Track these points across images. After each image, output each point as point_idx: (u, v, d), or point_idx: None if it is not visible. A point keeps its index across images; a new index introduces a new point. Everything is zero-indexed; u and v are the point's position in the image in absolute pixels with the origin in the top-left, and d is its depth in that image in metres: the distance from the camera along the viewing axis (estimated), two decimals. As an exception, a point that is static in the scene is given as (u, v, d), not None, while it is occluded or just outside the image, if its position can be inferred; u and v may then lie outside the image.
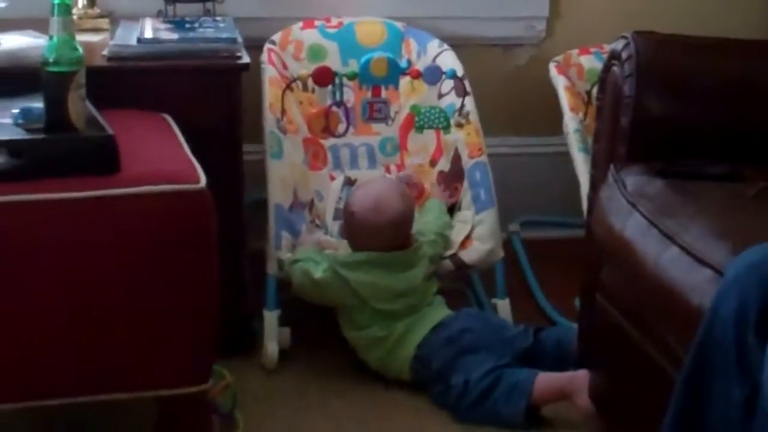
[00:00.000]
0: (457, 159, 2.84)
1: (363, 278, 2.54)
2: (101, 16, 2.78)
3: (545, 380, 2.40)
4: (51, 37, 1.98)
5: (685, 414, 1.73)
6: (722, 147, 2.29)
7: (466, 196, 2.77)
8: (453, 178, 2.83)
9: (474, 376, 2.41)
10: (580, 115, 2.92)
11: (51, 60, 1.97)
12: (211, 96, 2.48)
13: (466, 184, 2.79)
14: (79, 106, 1.99)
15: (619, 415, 2.30)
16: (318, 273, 2.53)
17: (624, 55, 2.31)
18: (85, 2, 2.78)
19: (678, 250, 1.95)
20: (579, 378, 2.37)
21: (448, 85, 2.91)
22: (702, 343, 1.71)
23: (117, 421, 2.30)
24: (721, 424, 1.67)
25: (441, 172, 2.87)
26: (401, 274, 2.57)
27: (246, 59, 2.51)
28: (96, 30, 2.71)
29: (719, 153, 2.27)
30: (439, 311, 2.58)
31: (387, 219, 2.58)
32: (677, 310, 1.89)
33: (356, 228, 2.61)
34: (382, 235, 2.58)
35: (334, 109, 2.93)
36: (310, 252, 2.60)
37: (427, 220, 2.73)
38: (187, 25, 2.65)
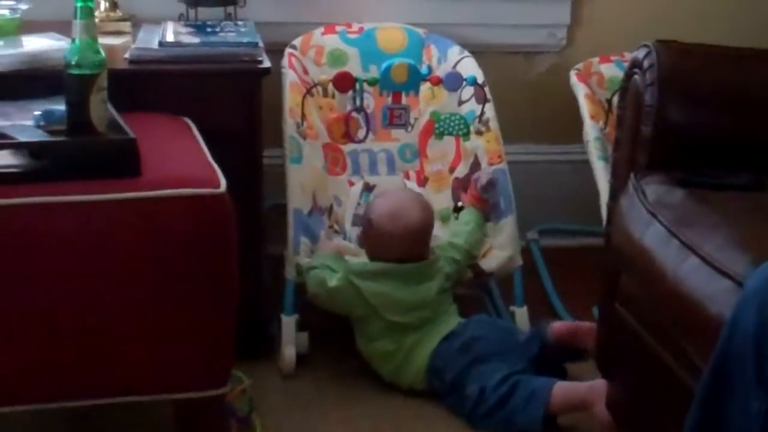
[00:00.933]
0: (476, 165, 2.83)
1: (376, 288, 2.53)
2: (123, 20, 2.79)
3: (563, 389, 2.39)
4: (73, 40, 1.99)
5: (704, 426, 1.72)
6: (744, 157, 2.28)
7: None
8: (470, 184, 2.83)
9: (490, 384, 2.41)
10: (600, 123, 2.91)
11: (73, 63, 1.98)
12: (232, 100, 2.48)
13: (484, 190, 2.78)
14: (100, 108, 2.00)
15: (636, 425, 2.29)
16: (332, 282, 2.52)
17: (646, 63, 2.30)
18: (108, 5, 2.79)
19: (697, 261, 1.94)
20: (597, 388, 2.36)
21: (468, 92, 2.90)
22: (721, 355, 1.70)
23: (135, 423, 2.31)
24: (740, 437, 1.66)
25: (456, 179, 2.87)
26: (415, 287, 2.56)
27: (267, 63, 2.51)
28: (118, 33, 2.72)
29: (741, 163, 2.26)
30: (450, 321, 2.57)
31: (404, 229, 2.56)
32: (696, 321, 1.88)
33: (373, 236, 2.60)
34: (398, 244, 2.56)
35: (354, 114, 2.93)
36: (327, 258, 2.60)
37: (460, 231, 2.70)
38: (209, 29, 2.66)
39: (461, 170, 2.87)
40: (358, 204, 2.85)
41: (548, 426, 2.39)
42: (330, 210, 2.81)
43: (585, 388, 2.38)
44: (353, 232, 2.80)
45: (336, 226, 2.80)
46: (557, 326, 2.54)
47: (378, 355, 2.55)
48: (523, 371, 2.45)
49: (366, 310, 2.54)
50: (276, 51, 2.80)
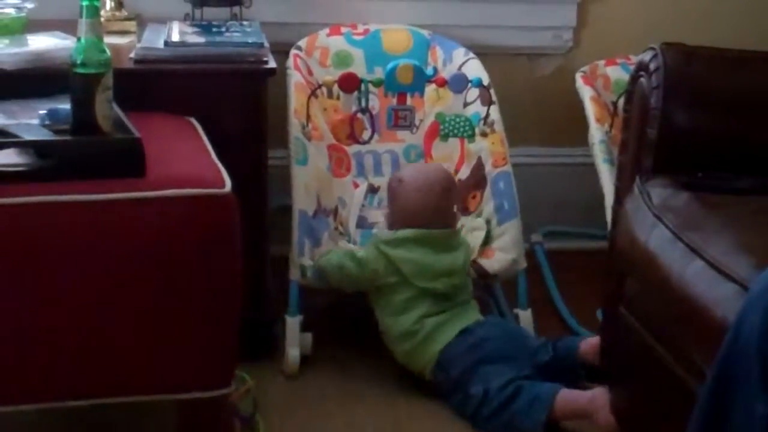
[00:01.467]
0: (479, 167, 2.83)
1: (406, 255, 2.55)
2: (129, 19, 2.79)
3: (566, 397, 2.38)
4: (79, 39, 1.99)
5: (707, 429, 1.72)
6: (750, 160, 2.28)
7: (488, 205, 2.76)
8: (472, 185, 2.83)
9: (494, 386, 2.41)
10: (606, 126, 2.91)
11: (78, 62, 1.98)
12: (237, 100, 2.48)
13: (488, 193, 2.78)
14: (105, 108, 2.00)
15: (640, 429, 2.29)
16: (360, 252, 2.56)
17: (652, 66, 2.30)
18: (113, 5, 2.79)
19: (703, 264, 1.94)
20: (598, 399, 2.35)
21: (473, 93, 2.91)
22: (725, 358, 1.69)
23: (138, 423, 2.31)
24: (744, 440, 1.66)
25: (460, 180, 2.87)
26: (444, 254, 2.58)
27: (272, 64, 2.51)
28: (123, 32, 2.73)
29: (747, 166, 2.26)
30: (470, 315, 2.58)
31: (437, 183, 2.63)
32: (701, 324, 1.88)
33: (404, 197, 2.62)
34: (430, 202, 2.60)
35: (359, 115, 2.93)
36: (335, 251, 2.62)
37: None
38: (214, 29, 2.65)
39: (464, 172, 2.87)
40: (363, 206, 2.85)
41: (550, 431, 2.38)
42: (335, 211, 2.81)
43: (587, 397, 2.37)
44: (357, 234, 2.80)
45: (340, 228, 2.80)
46: (585, 345, 2.51)
47: (398, 333, 2.55)
48: (528, 377, 2.44)
49: (396, 278, 2.54)
50: (281, 52, 2.80)
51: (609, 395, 2.34)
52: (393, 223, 2.65)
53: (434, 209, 2.61)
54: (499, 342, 2.50)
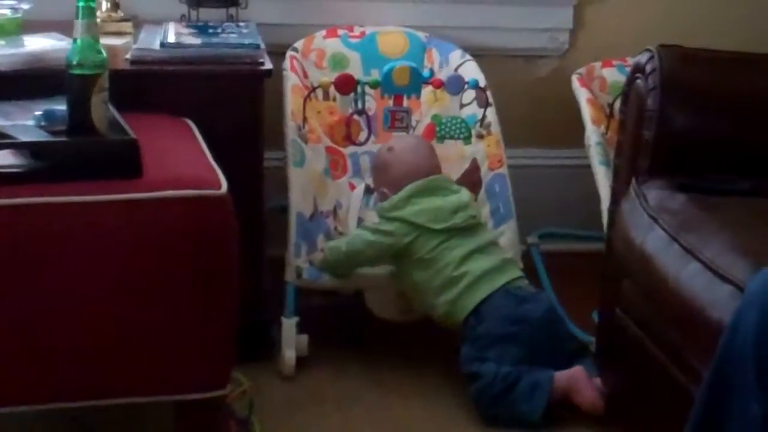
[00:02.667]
0: (473, 170, 2.83)
1: (415, 208, 2.59)
2: (125, 20, 2.79)
3: (556, 379, 2.43)
4: (75, 40, 1.98)
5: (703, 430, 1.72)
6: (746, 162, 2.28)
7: (483, 208, 2.76)
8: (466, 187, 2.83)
9: (503, 370, 2.42)
10: (602, 127, 2.91)
11: (75, 63, 1.97)
12: (234, 101, 2.48)
13: (483, 195, 2.78)
14: (102, 109, 2.00)
15: (636, 429, 2.30)
16: (373, 225, 2.62)
17: (648, 68, 2.31)
18: (109, 6, 2.79)
19: (699, 266, 1.94)
20: (576, 377, 2.41)
21: (469, 95, 2.90)
22: (721, 359, 1.70)
23: (134, 425, 2.30)
24: (740, 440, 1.66)
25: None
26: (449, 195, 2.64)
27: (269, 65, 2.51)
28: (119, 34, 2.72)
29: (743, 168, 2.26)
30: (513, 269, 2.60)
31: (423, 144, 2.78)
32: (697, 326, 1.88)
33: (398, 161, 2.70)
34: (422, 160, 2.70)
35: (356, 117, 2.92)
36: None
37: None
38: (210, 30, 2.65)
39: (457, 174, 2.86)
40: (361, 207, 2.84)
41: (544, 415, 2.42)
42: (334, 212, 2.81)
43: (565, 379, 2.42)
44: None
45: (340, 228, 2.80)
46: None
47: (439, 283, 2.55)
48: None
49: (416, 232, 2.57)
50: (277, 53, 2.80)
51: (588, 374, 2.41)
52: (389, 193, 2.67)
53: (428, 166, 2.69)
54: (536, 329, 2.49)
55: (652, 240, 2.11)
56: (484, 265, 2.55)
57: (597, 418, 2.40)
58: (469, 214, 2.61)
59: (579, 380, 2.41)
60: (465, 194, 2.66)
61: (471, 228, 2.61)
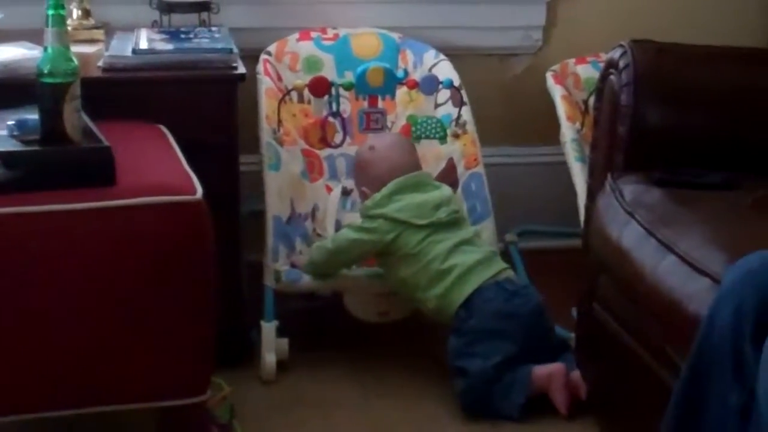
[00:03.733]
0: (450, 169, 2.83)
1: (397, 205, 2.59)
2: (96, 27, 2.78)
3: (534, 374, 2.45)
4: (46, 49, 1.98)
5: (682, 421, 1.73)
6: (720, 156, 2.29)
7: (460, 207, 2.76)
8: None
9: (488, 365, 2.44)
10: (577, 124, 2.92)
11: (46, 71, 1.97)
12: (207, 106, 2.47)
13: (460, 194, 2.78)
14: (74, 117, 1.99)
15: (615, 422, 2.30)
16: (357, 224, 2.62)
17: (621, 63, 2.31)
18: (80, 13, 2.78)
19: (675, 259, 1.95)
20: (554, 375, 2.43)
21: (444, 95, 2.90)
22: (699, 351, 1.71)
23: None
24: (718, 431, 1.67)
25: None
26: (431, 191, 2.64)
27: (242, 69, 2.50)
28: (91, 41, 2.71)
29: (717, 162, 2.27)
30: (500, 261, 2.61)
31: (403, 141, 2.77)
32: (674, 319, 1.89)
33: (380, 159, 2.68)
34: (403, 157, 2.69)
35: (331, 119, 2.92)
36: None
37: None
38: (183, 36, 2.65)
39: (433, 174, 2.86)
40: (338, 210, 2.84)
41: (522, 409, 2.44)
42: (313, 214, 2.80)
43: (545, 375, 2.44)
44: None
45: (319, 230, 2.79)
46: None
47: (428, 278, 2.55)
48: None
49: (399, 228, 2.56)
50: (251, 57, 2.79)
51: (566, 374, 2.42)
52: (370, 192, 2.66)
53: (409, 163, 2.68)
54: (525, 325, 2.50)
55: (629, 235, 2.11)
56: (472, 257, 2.56)
57: (576, 411, 2.42)
58: (452, 209, 2.62)
59: (556, 379, 2.43)
60: (447, 190, 2.67)
61: (454, 222, 2.61)
